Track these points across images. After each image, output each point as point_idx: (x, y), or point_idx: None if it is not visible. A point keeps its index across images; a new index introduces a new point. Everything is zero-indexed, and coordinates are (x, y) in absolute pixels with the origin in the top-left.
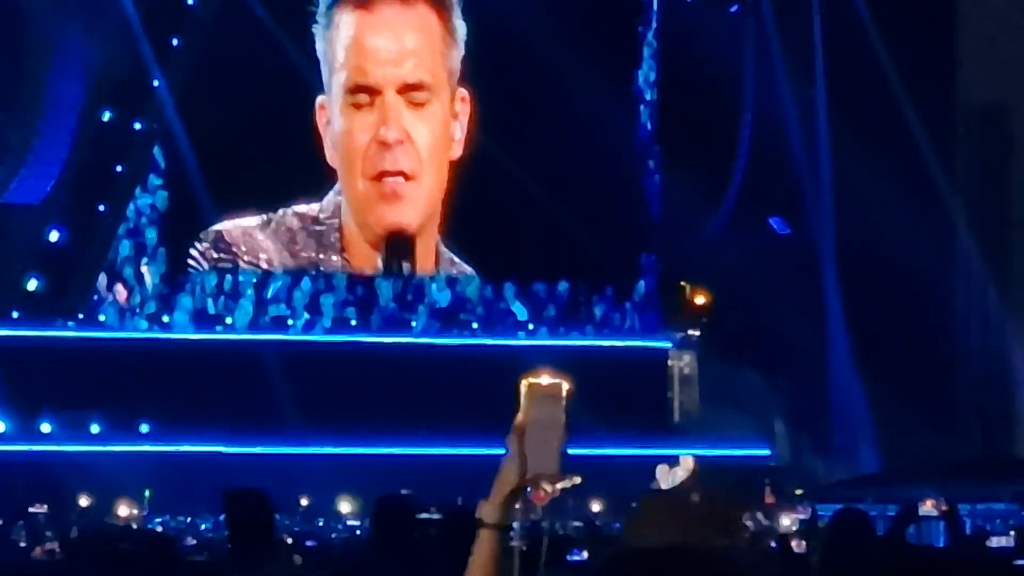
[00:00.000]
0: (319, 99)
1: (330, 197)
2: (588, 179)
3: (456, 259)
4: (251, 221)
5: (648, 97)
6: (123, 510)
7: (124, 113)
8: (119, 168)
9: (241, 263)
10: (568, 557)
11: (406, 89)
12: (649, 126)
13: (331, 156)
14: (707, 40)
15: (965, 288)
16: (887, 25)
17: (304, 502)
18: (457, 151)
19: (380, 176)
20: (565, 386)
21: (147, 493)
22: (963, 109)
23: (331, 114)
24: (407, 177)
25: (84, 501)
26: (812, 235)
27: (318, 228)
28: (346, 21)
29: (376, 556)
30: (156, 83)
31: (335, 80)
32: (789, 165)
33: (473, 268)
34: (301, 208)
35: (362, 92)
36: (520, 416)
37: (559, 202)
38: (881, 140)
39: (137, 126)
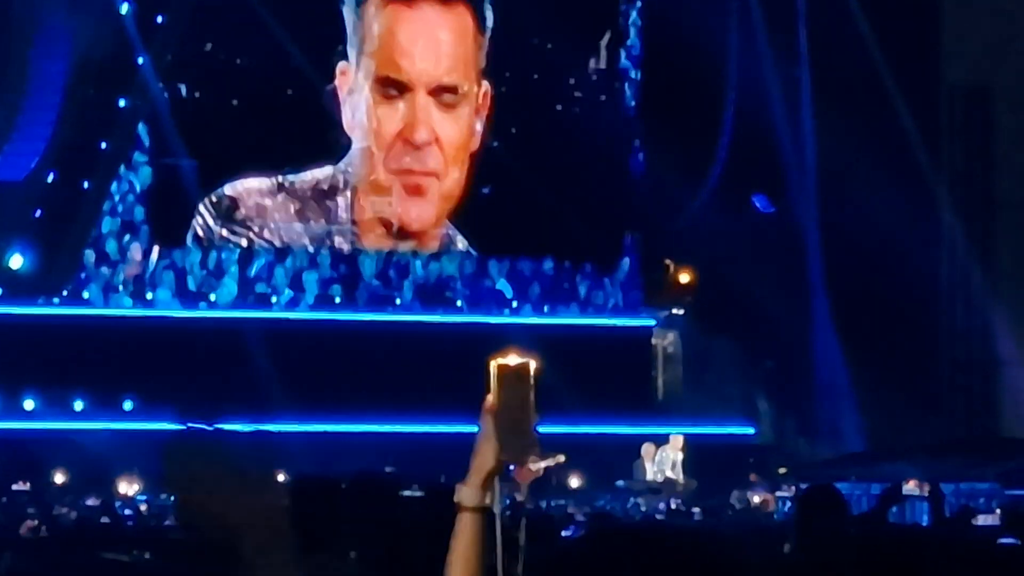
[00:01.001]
0: (341, 64)
1: (340, 168)
2: (571, 156)
3: (460, 238)
4: (262, 184)
5: (632, 75)
6: (123, 487)
7: (108, 90)
8: (103, 145)
9: (254, 237)
10: (564, 532)
11: (439, 91)
12: (633, 104)
13: (350, 126)
14: (691, 18)
15: (949, 268)
16: (872, 5)
17: (282, 479)
18: (476, 143)
19: (405, 172)
20: (533, 365)
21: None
22: (948, 90)
23: (355, 87)
24: (432, 175)
25: (60, 478)
26: (796, 214)
27: (328, 202)
28: (382, 8)
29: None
30: (140, 60)
31: (364, 63)
32: (773, 144)
33: (470, 245)
34: (309, 176)
35: (392, 87)
36: (491, 398)
37: (542, 180)
38: (865, 120)
39: (122, 103)
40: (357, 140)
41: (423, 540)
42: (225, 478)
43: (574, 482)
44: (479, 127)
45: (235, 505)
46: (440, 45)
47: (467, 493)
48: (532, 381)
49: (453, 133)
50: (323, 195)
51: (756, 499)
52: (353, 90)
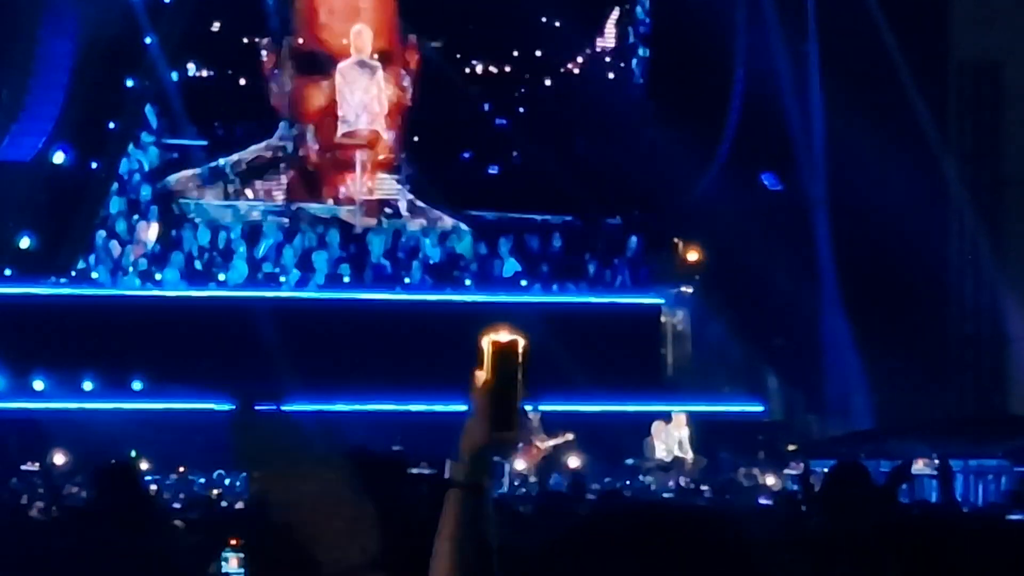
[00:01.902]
0: (265, 42)
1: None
2: (579, 135)
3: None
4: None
5: (640, 53)
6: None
7: (116, 70)
8: (111, 125)
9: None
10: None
11: (360, 61)
12: (641, 82)
13: (278, 102)
14: None
15: (958, 245)
16: None
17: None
18: (407, 98)
19: (336, 147)
20: (522, 343)
21: (132, 454)
22: (956, 65)
23: (280, 64)
24: (364, 146)
25: (60, 459)
26: (805, 191)
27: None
28: None
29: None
30: (148, 40)
31: (285, 39)
32: (782, 121)
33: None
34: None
35: (315, 59)
36: (480, 373)
37: (549, 159)
38: (874, 96)
39: (129, 83)
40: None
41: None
42: (297, 456)
43: (582, 461)
44: (407, 82)
45: (307, 481)
46: (358, 11)
47: (456, 469)
48: (520, 359)
49: (381, 98)
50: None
51: (767, 478)
52: (277, 68)
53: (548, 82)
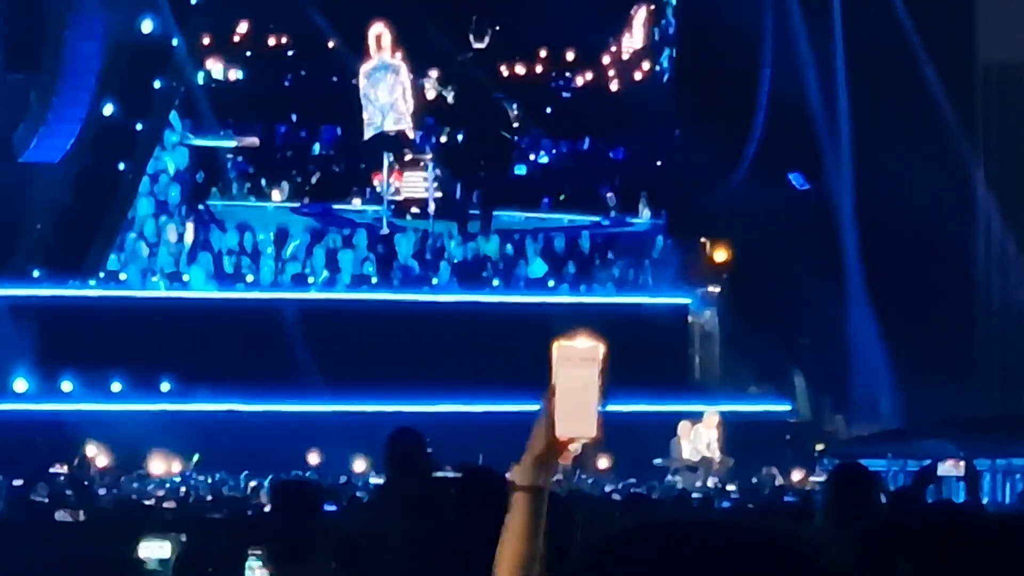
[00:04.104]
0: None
1: None
2: (606, 135)
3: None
4: None
5: (668, 53)
6: (157, 466)
7: (143, 72)
8: (139, 127)
9: None
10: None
11: (383, 61)
12: (668, 82)
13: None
14: None
15: (985, 244)
16: None
17: (315, 460)
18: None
19: (363, 147)
20: (601, 349)
21: (196, 457)
22: (983, 67)
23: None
24: (391, 146)
25: (101, 461)
26: (832, 191)
27: None
28: None
29: (392, 514)
30: (175, 41)
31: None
32: (808, 120)
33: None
34: None
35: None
36: (556, 379)
37: (577, 160)
38: (900, 96)
39: (157, 84)
40: None
41: (458, 519)
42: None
43: (610, 461)
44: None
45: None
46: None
47: (517, 472)
48: (600, 365)
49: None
50: None
51: (793, 477)
52: None
53: (577, 82)
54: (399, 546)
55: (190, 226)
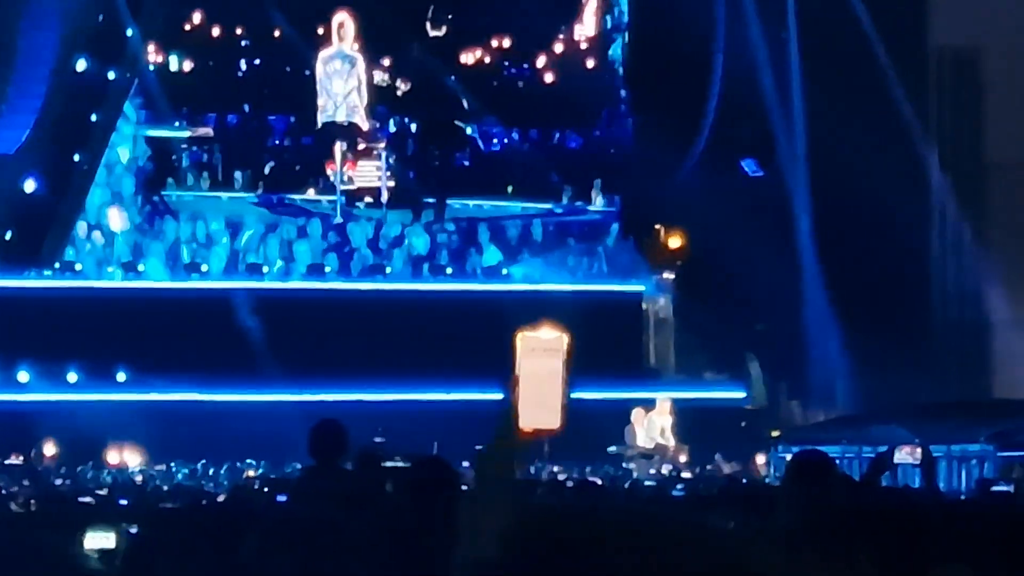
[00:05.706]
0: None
1: None
2: (559, 123)
3: None
4: None
5: (619, 40)
6: (113, 457)
7: (98, 62)
8: (94, 117)
9: None
10: None
11: (341, 51)
12: (620, 69)
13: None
14: None
15: (940, 230)
16: None
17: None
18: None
19: (316, 136)
20: (566, 339)
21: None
22: (936, 51)
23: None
24: (344, 136)
25: (51, 451)
26: (786, 177)
27: None
28: None
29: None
30: (130, 32)
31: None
32: (761, 107)
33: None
34: None
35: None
36: (520, 370)
37: (530, 149)
38: (853, 82)
39: (111, 75)
40: None
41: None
42: None
43: (564, 448)
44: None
45: None
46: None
47: (484, 460)
48: (564, 356)
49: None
50: None
51: (760, 459)
52: None
53: (530, 70)
54: (320, 536)
55: (144, 216)
